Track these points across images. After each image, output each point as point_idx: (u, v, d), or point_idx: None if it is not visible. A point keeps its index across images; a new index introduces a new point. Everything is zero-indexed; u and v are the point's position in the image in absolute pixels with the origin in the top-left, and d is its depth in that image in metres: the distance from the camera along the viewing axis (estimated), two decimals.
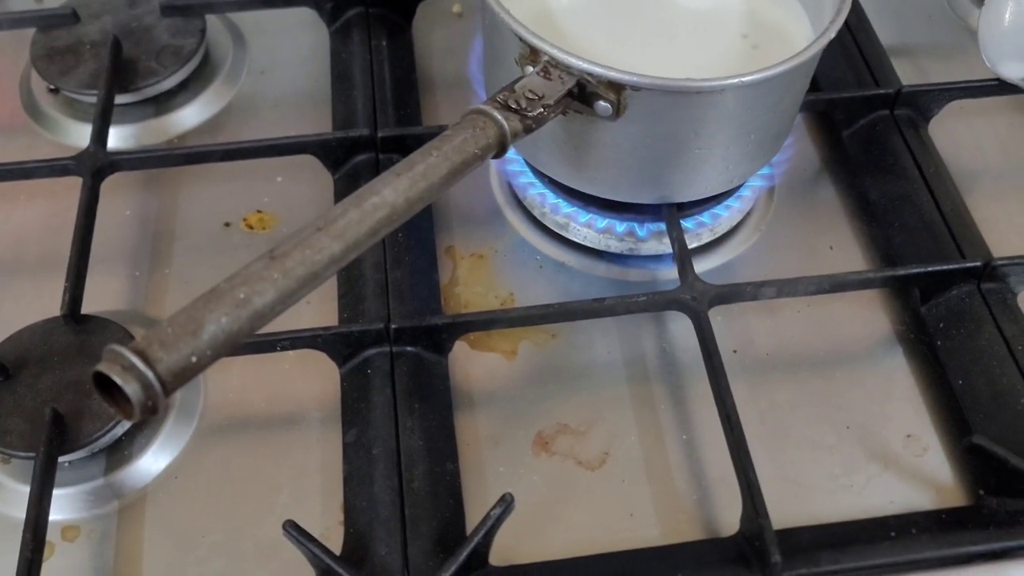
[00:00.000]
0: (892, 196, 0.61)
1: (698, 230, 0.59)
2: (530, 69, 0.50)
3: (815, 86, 0.65)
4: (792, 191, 0.64)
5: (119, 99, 0.65)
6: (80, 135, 0.65)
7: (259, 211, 0.63)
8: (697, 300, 0.53)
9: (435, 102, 0.68)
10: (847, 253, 0.61)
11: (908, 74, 0.69)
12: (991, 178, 0.65)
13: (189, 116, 0.67)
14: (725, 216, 0.59)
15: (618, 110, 0.49)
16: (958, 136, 0.67)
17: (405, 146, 0.61)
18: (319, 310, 0.57)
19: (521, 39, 0.49)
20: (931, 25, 0.75)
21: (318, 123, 0.66)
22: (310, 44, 0.71)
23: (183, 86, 0.68)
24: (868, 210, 0.62)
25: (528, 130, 0.46)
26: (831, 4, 0.55)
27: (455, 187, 0.62)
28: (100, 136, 0.60)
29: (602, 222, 0.58)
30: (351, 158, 0.61)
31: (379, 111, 0.63)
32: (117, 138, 0.66)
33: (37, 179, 0.59)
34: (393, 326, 0.52)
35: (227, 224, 0.62)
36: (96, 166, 0.58)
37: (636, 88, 0.48)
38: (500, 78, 0.52)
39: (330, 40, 0.70)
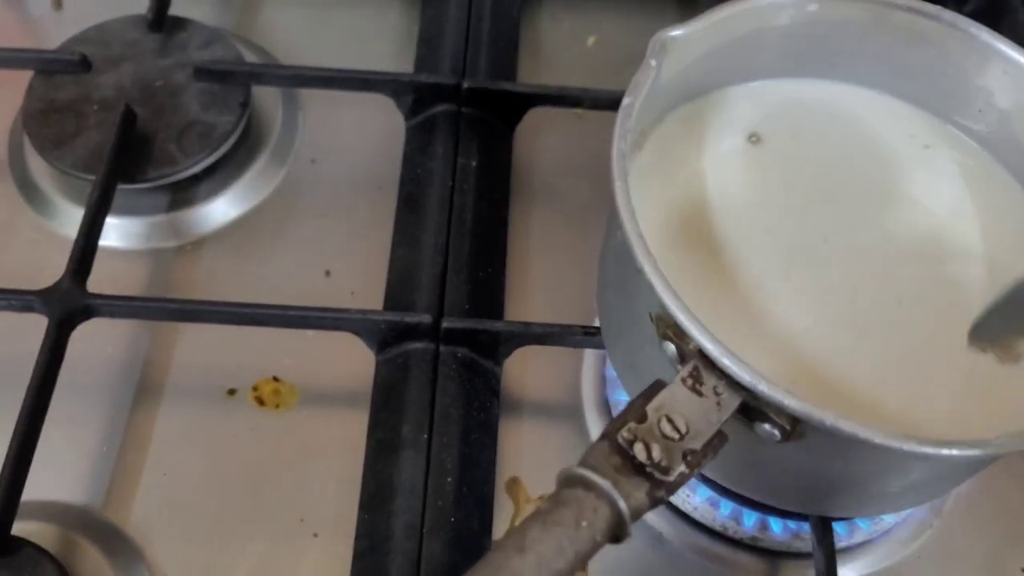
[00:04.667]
0: None
1: (851, 532, 0.43)
2: (671, 348, 0.34)
3: None
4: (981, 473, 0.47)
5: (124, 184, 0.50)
6: (74, 223, 0.50)
7: (275, 378, 0.48)
8: None
9: (528, 249, 0.52)
10: None
11: None
12: None
13: (211, 214, 0.52)
14: (888, 519, 0.43)
15: (789, 437, 0.33)
16: None
17: (475, 341, 0.45)
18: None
19: (664, 308, 0.33)
20: None
21: (372, 256, 0.50)
22: (382, 134, 0.55)
23: (210, 171, 0.53)
24: None
25: (658, 502, 0.30)
26: None
27: (531, 398, 0.48)
28: (80, 266, 0.45)
29: (727, 507, 0.43)
30: (403, 343, 0.45)
31: (450, 273, 0.47)
32: (114, 234, 0.51)
33: None
34: None
35: (231, 392, 0.48)
36: (65, 311, 0.44)
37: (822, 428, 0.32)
38: (630, 341, 0.37)
39: (405, 137, 0.53)
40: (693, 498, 0.43)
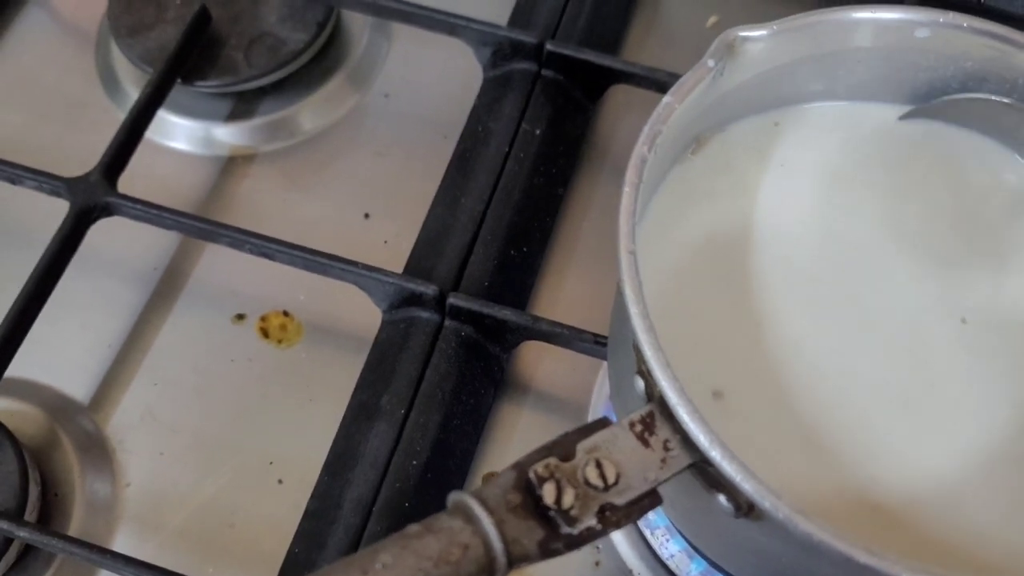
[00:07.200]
0: None
1: None
2: (640, 386, 0.30)
3: None
4: None
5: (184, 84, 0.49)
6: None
7: (285, 313, 0.46)
8: None
9: (579, 235, 0.48)
10: None
11: None
12: None
13: (269, 130, 0.51)
14: None
15: (746, 514, 0.29)
16: None
17: (479, 324, 0.42)
18: None
19: (635, 338, 0.29)
20: None
21: (415, 207, 0.48)
22: (464, 82, 0.52)
23: (277, 86, 0.51)
24: None
25: (551, 554, 0.26)
26: None
27: (538, 392, 0.45)
28: (113, 161, 0.44)
29: (700, 564, 0.39)
30: (409, 307, 0.43)
31: (479, 245, 0.44)
32: (171, 132, 0.50)
33: (24, 187, 0.45)
34: None
35: (239, 317, 0.46)
36: (87, 204, 0.43)
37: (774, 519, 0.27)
38: (620, 364, 0.33)
39: (480, 90, 0.50)
40: (670, 545, 0.39)
